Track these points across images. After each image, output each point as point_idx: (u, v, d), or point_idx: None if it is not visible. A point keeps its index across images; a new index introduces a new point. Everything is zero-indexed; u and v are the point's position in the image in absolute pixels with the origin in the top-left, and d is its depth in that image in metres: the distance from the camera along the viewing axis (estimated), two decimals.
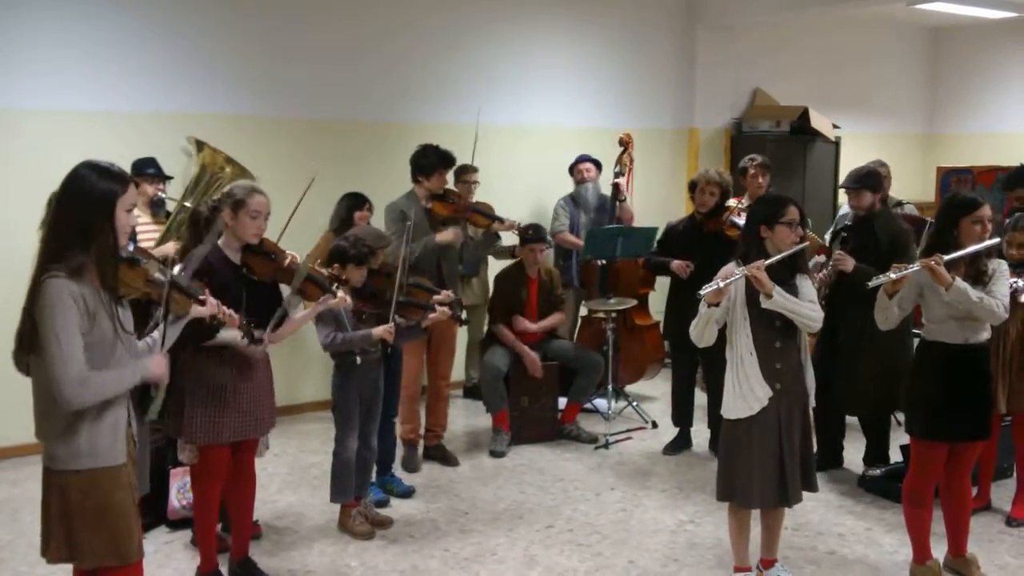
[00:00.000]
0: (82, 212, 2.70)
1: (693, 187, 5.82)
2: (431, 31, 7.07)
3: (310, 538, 4.57)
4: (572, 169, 7.01)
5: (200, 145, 5.88)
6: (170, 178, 5.71)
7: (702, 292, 3.69)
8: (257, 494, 5.02)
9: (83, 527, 2.75)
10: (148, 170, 5.51)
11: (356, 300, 4.50)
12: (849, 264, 4.93)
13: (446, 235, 5.37)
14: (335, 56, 6.69)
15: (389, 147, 6.44)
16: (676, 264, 5.65)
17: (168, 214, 5.68)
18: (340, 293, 4.03)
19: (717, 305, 3.72)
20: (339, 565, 4.28)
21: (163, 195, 5.63)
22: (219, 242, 3.83)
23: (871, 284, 3.83)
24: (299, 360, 6.64)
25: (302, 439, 6.12)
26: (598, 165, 6.99)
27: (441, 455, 5.68)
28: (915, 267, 3.77)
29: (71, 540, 2.76)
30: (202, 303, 3.11)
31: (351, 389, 4.51)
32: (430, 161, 5.39)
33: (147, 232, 5.45)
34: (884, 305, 3.94)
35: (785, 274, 3.75)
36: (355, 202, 5.53)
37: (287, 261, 3.87)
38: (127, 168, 5.51)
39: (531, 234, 5.92)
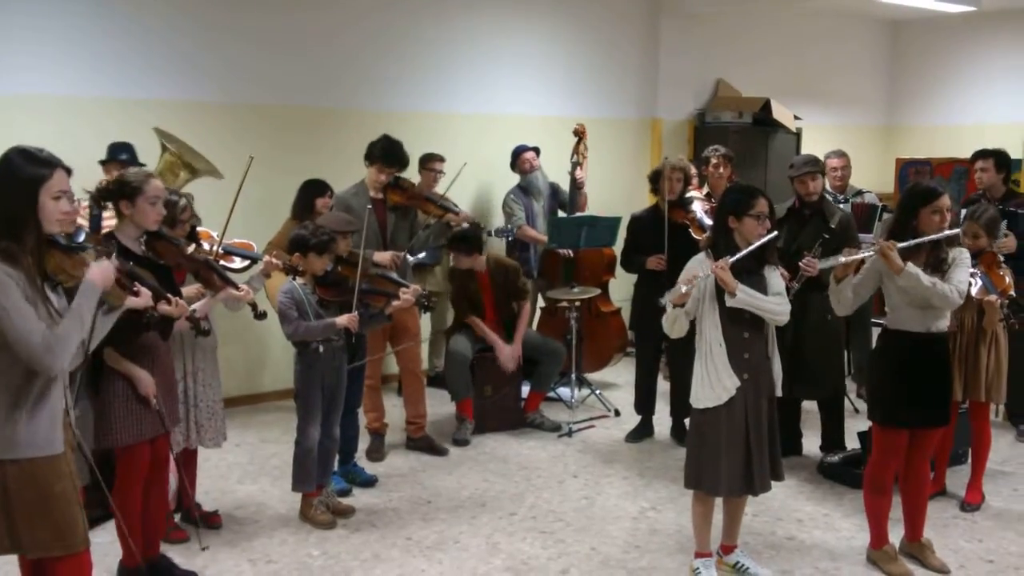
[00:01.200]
0: (6, 197, 2.67)
1: (655, 178, 5.76)
2: (392, 18, 7.01)
3: (271, 528, 4.53)
4: (515, 161, 6.96)
5: (163, 147, 5.79)
6: (142, 165, 5.60)
7: (664, 300, 3.72)
8: (216, 484, 5.05)
9: (24, 517, 2.71)
10: (121, 156, 5.41)
11: (320, 288, 4.48)
12: (815, 270, 4.94)
13: (384, 257, 5.21)
14: (296, 42, 6.60)
15: (350, 134, 6.37)
16: (651, 261, 5.61)
17: None
18: (244, 287, 4.01)
19: (683, 305, 3.74)
20: (300, 555, 4.25)
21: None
22: (113, 230, 3.73)
23: (821, 266, 3.88)
24: (259, 349, 6.58)
25: (262, 429, 6.07)
26: (538, 152, 6.98)
27: (428, 445, 5.64)
28: (869, 253, 3.82)
29: (13, 531, 2.73)
30: (136, 294, 3.06)
31: (313, 378, 4.47)
32: (374, 151, 5.34)
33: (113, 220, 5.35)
34: (834, 289, 3.99)
35: (753, 265, 3.78)
36: (317, 189, 5.47)
37: (191, 248, 3.83)
38: (102, 153, 5.48)
39: (459, 242, 5.81)
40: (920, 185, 4.10)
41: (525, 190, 6.94)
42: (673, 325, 3.82)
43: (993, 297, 4.47)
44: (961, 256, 3.93)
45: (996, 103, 9.14)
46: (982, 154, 5.77)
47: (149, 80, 6.06)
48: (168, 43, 6.12)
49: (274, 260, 4.35)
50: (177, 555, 4.11)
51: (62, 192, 2.75)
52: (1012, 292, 4.57)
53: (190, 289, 4.02)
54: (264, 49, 6.47)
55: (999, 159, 5.70)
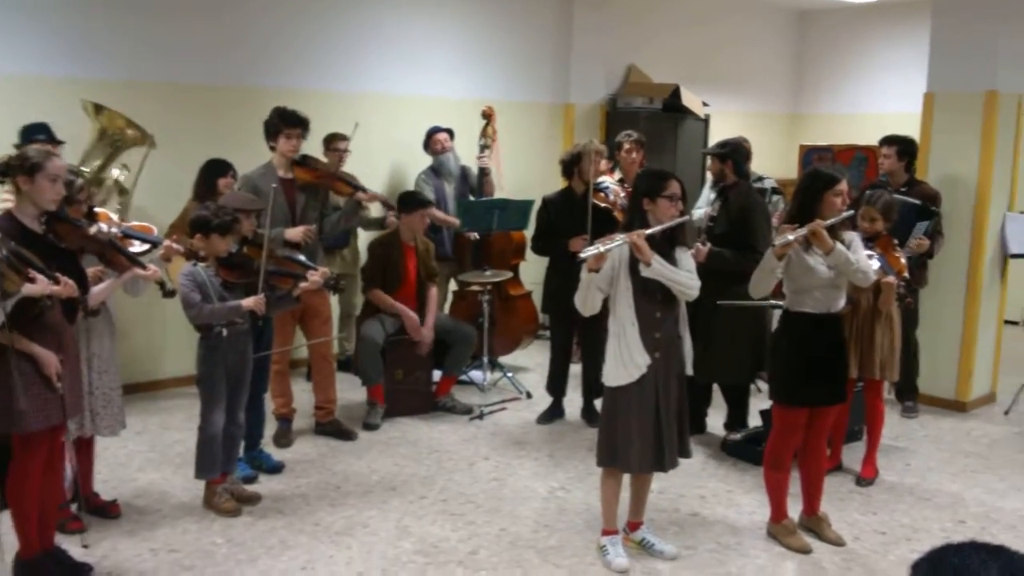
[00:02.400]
0: None
1: (576, 161, 5.67)
2: None
3: (173, 516, 4.42)
4: (427, 142, 6.92)
5: (99, 109, 5.53)
6: (61, 142, 5.39)
7: (583, 255, 3.74)
8: (116, 472, 4.90)
9: None
10: (38, 136, 5.17)
11: (224, 270, 4.37)
12: (701, 256, 5.02)
13: (295, 233, 5.09)
14: (198, 19, 6.40)
15: (254, 113, 6.18)
16: (576, 242, 5.51)
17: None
18: (152, 266, 3.91)
19: (598, 271, 3.77)
20: (204, 543, 4.16)
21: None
22: (11, 208, 3.58)
23: (777, 243, 3.92)
24: (160, 333, 6.40)
25: (164, 415, 5.91)
26: (451, 134, 6.95)
27: (337, 430, 5.57)
28: (803, 231, 3.90)
29: None
30: (32, 280, 2.94)
31: (216, 362, 4.36)
32: (272, 122, 5.14)
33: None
34: (770, 268, 4.00)
35: (665, 247, 3.85)
36: (218, 169, 5.33)
37: (93, 229, 3.71)
38: (15, 135, 5.25)
39: (417, 201, 5.82)
40: (821, 170, 4.22)
41: (436, 171, 6.90)
42: (586, 295, 3.83)
43: (891, 278, 4.63)
44: (855, 238, 4.11)
45: (894, 92, 9.46)
46: (887, 140, 5.96)
47: (43, 58, 5.80)
48: (64, 19, 5.86)
49: (175, 245, 4.22)
50: (75, 546, 3.97)
51: None
52: (906, 274, 4.76)
53: (90, 271, 3.88)
54: (164, 25, 6.25)
55: (902, 146, 5.88)
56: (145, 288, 4.28)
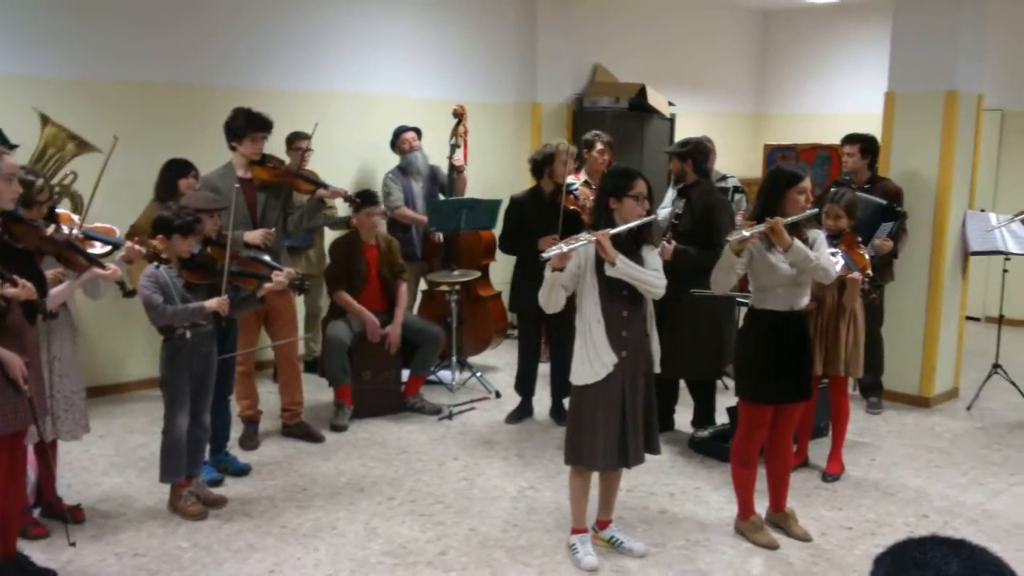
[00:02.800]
0: None
1: (547, 161, 5.68)
2: None
3: (138, 521, 4.36)
4: (395, 142, 6.89)
5: (44, 119, 5.46)
6: (15, 146, 5.29)
7: (546, 255, 3.73)
8: (80, 477, 4.84)
9: None
10: None
11: (186, 271, 4.32)
12: (667, 254, 5.05)
13: (254, 236, 5.03)
14: (160, 17, 6.33)
15: (217, 113, 6.12)
16: (545, 241, 5.44)
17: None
18: (111, 266, 3.86)
19: (561, 270, 3.77)
20: (170, 547, 4.11)
21: None
22: None
23: (730, 239, 3.94)
24: (124, 336, 6.32)
25: (128, 419, 5.83)
26: (419, 133, 6.93)
27: (304, 432, 5.53)
28: (762, 226, 3.92)
29: None
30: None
31: (180, 364, 4.31)
32: (239, 125, 5.08)
33: None
34: (729, 264, 4.01)
35: (632, 246, 3.86)
36: (179, 169, 5.27)
37: (50, 230, 3.66)
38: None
39: (365, 199, 5.80)
40: (784, 168, 4.25)
41: (404, 171, 6.87)
42: (549, 294, 3.83)
43: (855, 274, 4.68)
44: (820, 236, 4.14)
45: (856, 92, 9.58)
46: (850, 139, 6.03)
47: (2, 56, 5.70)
48: (18, 16, 5.76)
49: (136, 246, 4.16)
50: (38, 552, 3.92)
51: None
52: (870, 270, 4.81)
53: (49, 273, 3.82)
54: (126, 23, 6.17)
55: (865, 145, 5.95)
56: (106, 290, 4.22)
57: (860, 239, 4.93)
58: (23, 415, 3.50)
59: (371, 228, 5.88)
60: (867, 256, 4.85)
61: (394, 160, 6.96)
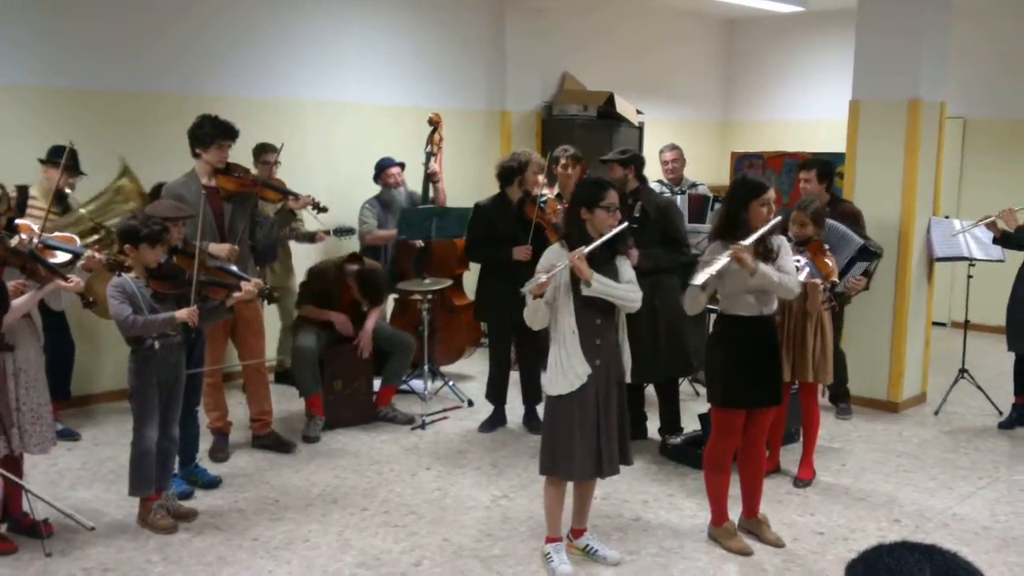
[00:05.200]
0: None
1: (519, 168, 5.69)
2: (244, 3, 6.78)
3: (107, 535, 4.30)
4: (378, 175, 6.85)
5: (125, 170, 5.51)
6: (83, 174, 5.37)
7: (525, 289, 3.75)
8: (47, 490, 4.75)
9: None
10: (56, 159, 5.16)
11: (154, 281, 4.27)
12: (634, 258, 5.06)
13: (221, 248, 4.95)
14: (131, 24, 6.28)
15: (184, 121, 6.06)
16: (520, 251, 5.55)
17: (67, 208, 5.45)
18: (74, 278, 3.82)
19: (542, 296, 3.78)
20: (140, 562, 4.06)
21: (69, 191, 5.44)
22: None
23: (698, 282, 3.95)
24: (91, 347, 6.23)
25: (96, 431, 5.75)
26: (402, 166, 6.91)
27: (275, 442, 5.48)
28: (725, 260, 3.93)
29: None
30: None
31: (149, 375, 4.26)
32: (206, 132, 5.01)
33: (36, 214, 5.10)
34: (695, 295, 4.06)
35: (606, 254, 3.88)
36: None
37: (14, 241, 3.61)
38: (43, 154, 5.37)
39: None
40: (747, 179, 4.30)
41: (383, 203, 6.83)
42: (535, 316, 3.87)
43: (817, 281, 4.73)
44: (784, 244, 4.18)
45: (822, 99, 9.68)
46: (805, 165, 6.06)
47: None
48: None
49: (96, 255, 4.11)
50: (6, 568, 3.86)
51: None
52: (835, 278, 4.84)
53: (10, 284, 3.76)
54: (92, 31, 6.11)
55: (820, 169, 5.98)
56: (67, 298, 4.18)
57: (828, 246, 4.96)
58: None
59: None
60: (831, 264, 4.87)
61: (365, 166, 6.92)
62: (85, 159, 5.50)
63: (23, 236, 3.98)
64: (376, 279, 6.01)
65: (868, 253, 5.53)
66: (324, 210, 5.54)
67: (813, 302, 4.75)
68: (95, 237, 5.34)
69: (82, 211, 5.38)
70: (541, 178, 5.83)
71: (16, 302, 3.72)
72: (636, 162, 5.41)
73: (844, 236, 5.35)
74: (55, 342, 5.07)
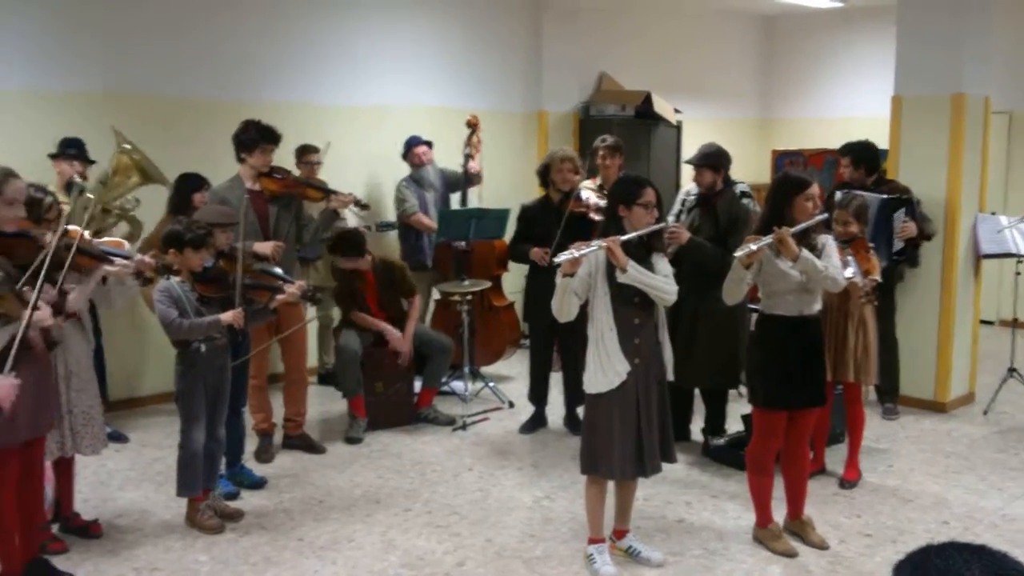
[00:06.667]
0: None
1: (546, 172, 5.77)
2: (276, 6, 6.86)
3: (155, 535, 4.38)
4: (407, 154, 6.91)
5: (120, 146, 5.58)
6: (93, 162, 5.45)
7: (557, 260, 3.75)
8: (97, 491, 4.86)
9: None
10: (69, 150, 5.28)
11: (199, 285, 4.34)
12: (684, 237, 5.08)
13: (265, 247, 5.05)
14: (171, 30, 6.38)
15: (223, 126, 6.16)
16: (535, 252, 5.65)
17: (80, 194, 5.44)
18: (120, 260, 3.86)
19: (572, 275, 3.77)
20: (187, 561, 4.12)
21: (78, 179, 5.43)
22: None
23: (737, 255, 3.94)
24: (139, 351, 6.34)
25: (144, 433, 5.85)
26: (430, 144, 6.95)
27: (306, 443, 5.54)
28: (768, 239, 3.92)
29: None
30: (36, 308, 2.91)
31: (195, 378, 4.33)
32: (251, 137, 5.11)
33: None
34: (739, 276, 4.01)
35: (642, 252, 3.87)
36: (193, 183, 5.31)
37: (47, 237, 3.67)
38: (53, 147, 5.44)
39: (346, 247, 5.80)
40: (790, 175, 4.26)
41: (417, 181, 6.90)
42: (561, 301, 3.82)
43: (855, 278, 4.67)
44: (829, 242, 4.13)
45: (862, 96, 9.55)
46: (842, 151, 6.08)
47: (22, 71, 5.78)
48: (43, 32, 5.83)
49: (147, 259, 4.18)
50: (57, 567, 3.92)
51: None
52: (877, 275, 4.78)
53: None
54: (138, 37, 6.22)
55: (856, 155, 5.98)
56: (119, 298, 4.25)
57: (873, 245, 4.91)
58: (24, 428, 3.51)
59: (353, 267, 5.89)
60: (875, 261, 4.83)
61: (403, 169, 6.98)
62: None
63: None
64: (392, 272, 6.02)
65: (898, 201, 5.52)
66: (366, 207, 5.62)
67: (853, 299, 4.70)
68: (109, 221, 5.40)
69: (89, 195, 5.34)
70: (582, 170, 5.83)
71: (71, 296, 3.79)
72: (726, 163, 5.33)
73: (866, 198, 5.28)
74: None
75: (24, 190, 3.58)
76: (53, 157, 5.45)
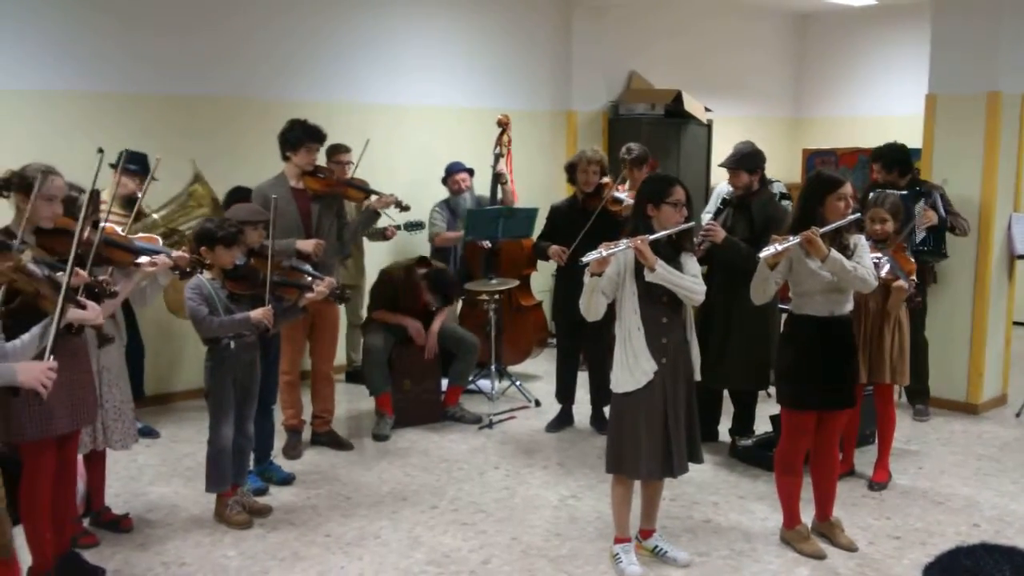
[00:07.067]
0: None
1: (572, 170, 5.79)
2: (310, 7, 6.91)
3: (185, 530, 4.42)
4: (447, 179, 6.91)
5: (197, 176, 5.73)
6: (155, 179, 5.54)
7: (585, 259, 3.74)
8: (127, 486, 4.92)
9: None
10: (130, 166, 5.30)
11: (230, 282, 4.38)
12: (719, 235, 5.06)
13: (307, 244, 5.12)
14: (215, 32, 6.45)
15: (272, 125, 6.19)
16: (552, 250, 5.66)
17: (141, 213, 5.53)
18: (161, 257, 3.90)
19: (600, 275, 3.76)
20: (216, 556, 4.16)
21: (140, 195, 5.49)
22: (10, 226, 3.59)
23: (762, 255, 3.92)
24: (170, 347, 6.41)
25: (174, 428, 5.92)
26: (471, 172, 6.96)
27: (333, 440, 5.58)
28: (795, 240, 3.89)
29: None
30: (83, 307, 2.95)
31: (224, 374, 4.37)
32: (296, 135, 5.18)
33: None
34: (764, 276, 3.99)
35: (670, 252, 3.85)
36: (242, 197, 5.37)
37: (86, 233, 3.71)
38: (113, 157, 5.35)
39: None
40: (823, 174, 4.21)
41: (452, 208, 6.90)
42: (589, 300, 3.81)
43: (902, 282, 4.62)
44: (861, 242, 4.09)
45: (896, 94, 9.46)
46: (871, 158, 6.05)
47: (50, 72, 5.84)
48: (67, 32, 5.90)
49: (184, 254, 4.22)
50: (88, 560, 3.97)
51: None
52: (914, 276, 4.75)
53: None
54: (172, 36, 6.28)
55: (886, 159, 5.94)
56: (153, 296, 4.30)
57: (905, 244, 4.86)
58: (60, 422, 3.56)
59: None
60: (912, 260, 4.78)
61: (435, 169, 6.99)
62: (172, 165, 5.66)
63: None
64: (445, 279, 6.05)
65: (916, 194, 5.50)
66: (407, 209, 5.66)
67: (895, 301, 4.65)
68: (170, 242, 5.50)
69: (155, 216, 5.55)
70: (608, 178, 5.82)
71: (115, 288, 3.83)
72: (763, 164, 5.31)
73: (898, 198, 5.23)
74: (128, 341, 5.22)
75: (64, 187, 3.64)
76: (113, 166, 5.52)
